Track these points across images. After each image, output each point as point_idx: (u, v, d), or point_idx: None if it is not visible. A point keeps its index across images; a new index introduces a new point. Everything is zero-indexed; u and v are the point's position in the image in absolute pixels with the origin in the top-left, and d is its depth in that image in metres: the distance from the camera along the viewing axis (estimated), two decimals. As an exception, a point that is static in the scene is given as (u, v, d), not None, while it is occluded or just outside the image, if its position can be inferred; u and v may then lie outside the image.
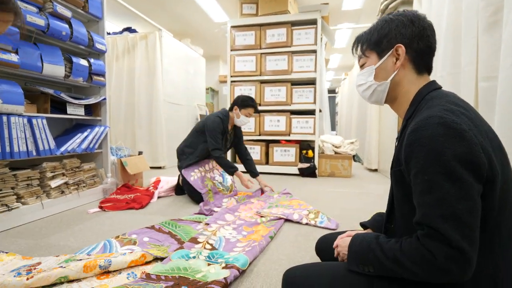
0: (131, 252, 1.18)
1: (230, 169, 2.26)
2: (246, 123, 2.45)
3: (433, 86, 0.73)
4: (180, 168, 2.33)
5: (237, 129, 2.60)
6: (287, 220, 1.80)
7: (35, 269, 1.03)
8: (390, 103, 0.82)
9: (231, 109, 2.44)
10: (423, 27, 0.72)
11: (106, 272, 1.06)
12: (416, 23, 0.72)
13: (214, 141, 2.24)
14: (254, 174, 2.55)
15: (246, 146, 2.71)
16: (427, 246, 0.56)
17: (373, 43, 0.78)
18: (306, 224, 1.74)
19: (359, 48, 0.82)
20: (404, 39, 0.73)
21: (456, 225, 0.54)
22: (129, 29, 4.27)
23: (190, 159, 2.31)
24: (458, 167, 0.55)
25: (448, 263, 0.54)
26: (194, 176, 2.24)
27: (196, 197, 2.20)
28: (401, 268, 0.60)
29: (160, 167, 4.01)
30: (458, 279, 0.55)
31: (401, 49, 0.73)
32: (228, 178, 2.46)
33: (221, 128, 2.31)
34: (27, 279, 0.94)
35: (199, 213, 1.93)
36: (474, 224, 0.55)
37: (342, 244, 0.81)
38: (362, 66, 0.82)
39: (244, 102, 2.38)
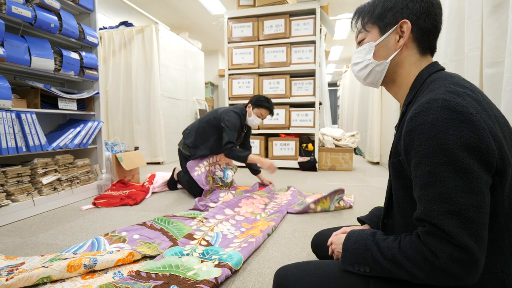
0: (118, 251, 1.14)
1: (243, 157, 2.10)
2: (256, 124, 2.30)
3: (435, 68, 0.66)
4: (188, 158, 2.22)
5: (248, 128, 2.50)
6: (288, 213, 1.78)
7: (17, 269, 0.99)
8: (387, 86, 0.75)
9: (246, 105, 2.34)
10: (431, 3, 0.65)
11: (91, 271, 1.02)
12: None
13: (231, 136, 2.14)
14: (255, 171, 2.52)
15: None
16: (428, 244, 0.50)
17: (376, 16, 0.69)
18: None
19: (359, 21, 0.74)
20: (411, 14, 0.65)
21: (462, 222, 0.48)
22: (125, 23, 4.20)
23: (202, 150, 2.22)
24: (464, 156, 0.49)
25: (452, 264, 0.48)
26: (198, 171, 2.17)
27: (196, 191, 2.14)
28: (400, 269, 0.54)
29: (158, 163, 3.98)
30: (463, 282, 0.49)
31: (407, 25, 0.65)
32: (229, 174, 2.41)
33: (239, 126, 2.23)
34: (7, 279, 0.89)
35: (194, 209, 1.88)
36: (482, 221, 0.48)
37: (336, 242, 0.75)
38: (360, 43, 0.74)
39: (258, 102, 2.25)
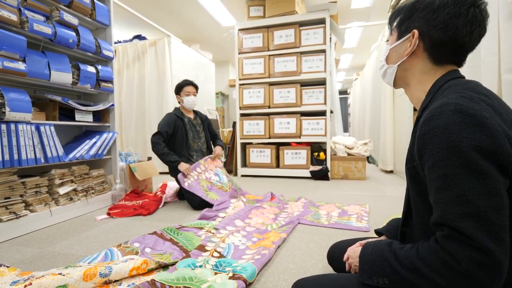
0: (132, 259, 1.14)
1: (172, 163, 2.27)
2: (193, 103, 2.50)
3: (454, 75, 0.65)
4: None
5: (202, 117, 2.64)
6: (299, 224, 1.75)
7: (33, 277, 1.01)
8: (402, 87, 0.77)
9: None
10: (455, 15, 0.60)
11: (106, 283, 1.02)
12: (449, 8, 0.61)
13: (155, 136, 2.36)
14: (215, 144, 2.68)
15: (256, 149, 2.66)
16: (448, 248, 0.48)
17: (399, 21, 0.71)
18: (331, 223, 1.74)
19: (394, 21, 0.74)
20: (425, 25, 0.64)
21: (481, 224, 0.46)
22: (139, 37, 4.33)
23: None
24: (478, 158, 0.48)
25: (473, 268, 0.46)
26: (187, 181, 2.22)
27: (194, 202, 2.15)
28: (419, 277, 0.52)
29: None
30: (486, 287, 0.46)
31: (415, 36, 0.66)
32: (223, 176, 2.46)
33: (171, 121, 2.39)
34: (25, 286, 0.91)
35: (201, 218, 1.87)
36: (502, 223, 0.47)
37: (353, 255, 0.73)
38: (387, 42, 0.77)
39: (177, 87, 2.49)
